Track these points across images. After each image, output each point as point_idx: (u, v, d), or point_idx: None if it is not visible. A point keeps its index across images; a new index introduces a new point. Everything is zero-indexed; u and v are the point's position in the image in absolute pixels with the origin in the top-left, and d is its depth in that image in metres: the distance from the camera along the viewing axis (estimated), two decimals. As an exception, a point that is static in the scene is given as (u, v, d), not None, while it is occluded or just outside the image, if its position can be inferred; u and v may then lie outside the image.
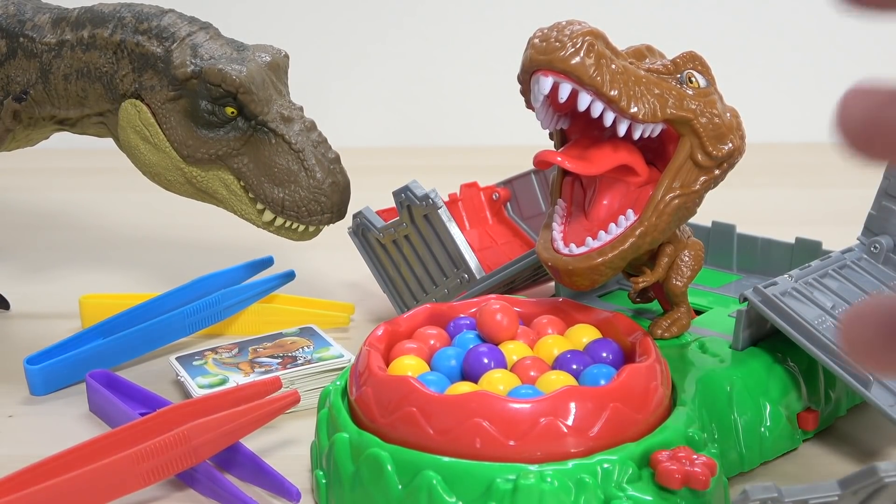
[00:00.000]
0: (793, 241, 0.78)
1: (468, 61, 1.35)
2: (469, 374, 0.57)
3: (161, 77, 0.72)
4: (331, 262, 0.93)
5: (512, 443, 0.51)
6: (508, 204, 0.86)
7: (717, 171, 0.62)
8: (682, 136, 0.61)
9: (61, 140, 0.91)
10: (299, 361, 0.71)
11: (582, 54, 0.57)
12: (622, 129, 0.60)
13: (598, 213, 0.63)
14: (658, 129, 0.61)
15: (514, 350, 0.59)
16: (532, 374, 0.56)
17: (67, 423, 0.68)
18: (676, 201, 0.61)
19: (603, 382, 0.55)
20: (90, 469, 0.54)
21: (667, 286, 0.65)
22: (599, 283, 0.62)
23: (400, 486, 0.52)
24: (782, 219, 1.06)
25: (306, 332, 0.75)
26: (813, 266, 0.66)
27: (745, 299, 0.62)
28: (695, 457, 0.52)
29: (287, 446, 0.65)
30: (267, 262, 0.81)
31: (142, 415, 0.64)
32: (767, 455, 0.61)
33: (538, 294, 0.83)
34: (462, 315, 0.63)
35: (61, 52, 0.75)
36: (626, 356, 0.60)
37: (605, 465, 0.51)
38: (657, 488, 0.51)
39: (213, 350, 0.73)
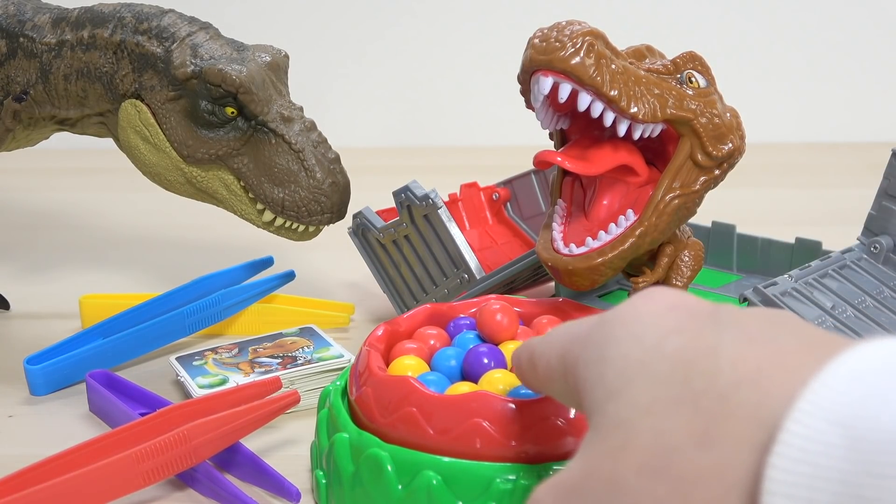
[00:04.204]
0: (793, 241, 0.78)
1: (468, 61, 1.35)
2: (469, 374, 0.57)
3: (161, 77, 0.72)
4: (331, 262, 0.93)
5: (513, 443, 0.51)
6: (508, 204, 0.86)
7: (717, 171, 0.63)
8: (682, 136, 0.61)
9: (61, 140, 0.91)
10: (299, 361, 0.71)
11: (582, 54, 0.57)
12: (622, 129, 0.60)
13: (598, 214, 0.63)
14: (658, 129, 0.61)
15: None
16: (532, 374, 0.56)
17: (67, 423, 0.68)
18: (676, 201, 0.61)
19: (603, 382, 0.55)
20: (90, 469, 0.54)
21: (667, 286, 0.65)
22: (599, 283, 0.62)
23: (400, 487, 0.52)
24: (782, 219, 1.06)
25: (306, 332, 0.75)
26: (813, 266, 0.66)
27: (745, 299, 0.62)
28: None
29: (287, 446, 0.65)
30: (267, 262, 0.81)
31: (142, 415, 0.64)
32: (767, 455, 0.61)
33: (538, 294, 0.83)
34: (462, 315, 0.63)
35: (61, 53, 0.75)
36: (626, 356, 0.60)
37: (605, 465, 0.51)
38: (657, 488, 0.51)
39: (213, 350, 0.73)
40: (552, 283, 0.83)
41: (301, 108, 0.74)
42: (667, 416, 0.35)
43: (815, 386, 0.32)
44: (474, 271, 0.73)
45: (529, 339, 0.47)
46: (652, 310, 0.39)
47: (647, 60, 0.63)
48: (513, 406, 0.51)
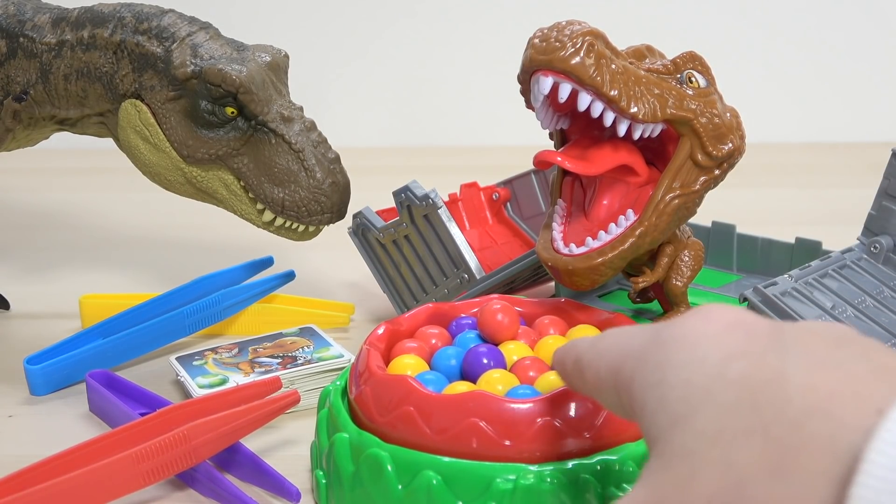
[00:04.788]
0: (793, 241, 0.78)
1: (468, 61, 1.35)
2: (468, 373, 0.57)
3: (161, 77, 0.72)
4: (331, 262, 0.93)
5: (508, 443, 0.51)
6: (508, 204, 0.86)
7: (717, 171, 0.63)
8: (682, 136, 0.61)
9: (61, 140, 0.91)
10: (299, 361, 0.71)
11: (582, 54, 0.57)
12: (622, 129, 0.60)
13: (598, 213, 0.63)
14: (658, 129, 0.61)
15: (514, 350, 0.59)
16: (531, 374, 0.56)
17: (67, 423, 0.68)
18: (676, 201, 0.61)
19: (603, 382, 0.55)
20: (90, 469, 0.54)
21: (667, 286, 0.65)
22: (599, 283, 0.62)
23: (400, 486, 0.52)
24: (782, 219, 1.06)
25: (306, 332, 0.75)
26: (813, 266, 0.66)
27: (745, 299, 0.62)
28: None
29: (287, 446, 0.65)
30: (267, 262, 0.81)
31: (142, 415, 0.64)
32: (767, 455, 0.61)
33: (538, 294, 0.83)
34: (464, 315, 0.63)
35: (61, 52, 0.75)
36: (626, 356, 0.59)
37: (605, 465, 0.51)
38: (657, 488, 0.51)
39: (213, 350, 0.73)
40: (552, 283, 0.83)
41: (301, 108, 0.74)
42: (736, 446, 0.34)
43: (894, 415, 0.31)
44: (474, 271, 0.73)
45: (574, 341, 0.46)
46: (711, 330, 0.38)
47: (647, 60, 0.63)
48: (509, 406, 0.51)
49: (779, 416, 0.34)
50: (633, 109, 0.59)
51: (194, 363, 0.71)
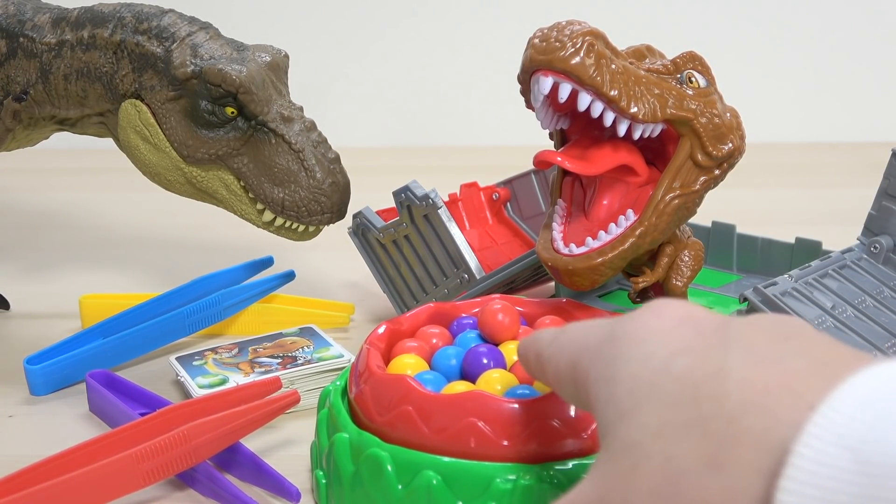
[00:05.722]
0: (793, 241, 0.78)
1: (468, 61, 1.35)
2: (468, 373, 0.57)
3: (161, 77, 0.72)
4: (331, 262, 0.93)
5: (506, 442, 0.51)
6: (508, 204, 0.86)
7: (717, 171, 0.63)
8: (682, 136, 0.61)
9: (61, 140, 0.91)
10: (299, 361, 0.71)
11: (582, 54, 0.57)
12: (622, 129, 0.60)
13: (598, 213, 0.63)
14: (658, 129, 0.61)
15: (514, 350, 0.59)
16: (532, 374, 0.56)
17: (67, 423, 0.68)
18: (676, 201, 0.61)
19: (603, 382, 0.55)
20: (90, 469, 0.54)
21: (667, 286, 0.65)
22: (599, 283, 0.62)
23: (400, 486, 0.52)
24: (782, 219, 1.06)
25: (306, 332, 0.75)
26: (813, 266, 0.66)
27: (745, 299, 0.62)
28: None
29: (287, 446, 0.65)
30: (267, 262, 0.81)
31: (142, 415, 0.64)
32: (767, 455, 0.61)
33: (538, 294, 0.83)
34: (465, 314, 0.63)
35: (61, 52, 0.75)
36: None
37: (605, 465, 0.51)
38: (657, 488, 0.51)
39: (213, 350, 0.73)
40: (552, 283, 0.83)
41: (301, 108, 0.74)
42: (676, 439, 0.35)
43: (823, 410, 0.32)
44: (474, 271, 0.73)
45: (536, 333, 0.47)
46: (660, 326, 0.39)
47: (647, 60, 0.63)
48: (508, 406, 0.51)
49: (717, 410, 0.34)
50: (633, 109, 0.59)
51: (194, 363, 0.71)
